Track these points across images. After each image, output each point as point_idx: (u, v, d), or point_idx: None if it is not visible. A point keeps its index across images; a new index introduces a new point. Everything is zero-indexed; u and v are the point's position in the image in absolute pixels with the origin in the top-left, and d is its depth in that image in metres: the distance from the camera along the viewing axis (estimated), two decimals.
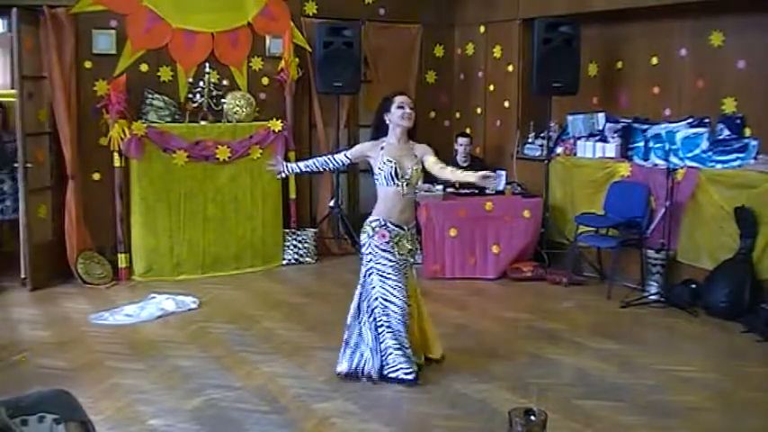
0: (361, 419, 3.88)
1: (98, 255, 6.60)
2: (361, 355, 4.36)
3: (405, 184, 4.30)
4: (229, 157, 6.81)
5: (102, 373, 4.48)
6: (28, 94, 6.22)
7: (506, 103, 7.83)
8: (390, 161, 4.31)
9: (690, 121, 6.29)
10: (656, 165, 6.31)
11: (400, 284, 4.26)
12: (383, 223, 4.28)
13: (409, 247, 4.35)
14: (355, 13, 7.70)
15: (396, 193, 4.30)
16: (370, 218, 4.36)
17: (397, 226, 4.29)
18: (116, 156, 6.45)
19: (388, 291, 4.24)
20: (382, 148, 4.40)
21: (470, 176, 4.19)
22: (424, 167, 4.37)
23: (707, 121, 6.19)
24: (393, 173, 4.29)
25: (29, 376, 4.38)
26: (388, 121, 4.41)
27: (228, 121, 6.89)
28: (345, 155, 4.72)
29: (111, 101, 6.33)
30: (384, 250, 4.23)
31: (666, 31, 6.66)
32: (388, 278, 4.24)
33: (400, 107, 4.37)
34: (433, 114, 8.47)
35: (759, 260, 5.50)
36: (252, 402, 4.08)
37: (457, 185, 7.16)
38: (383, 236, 4.24)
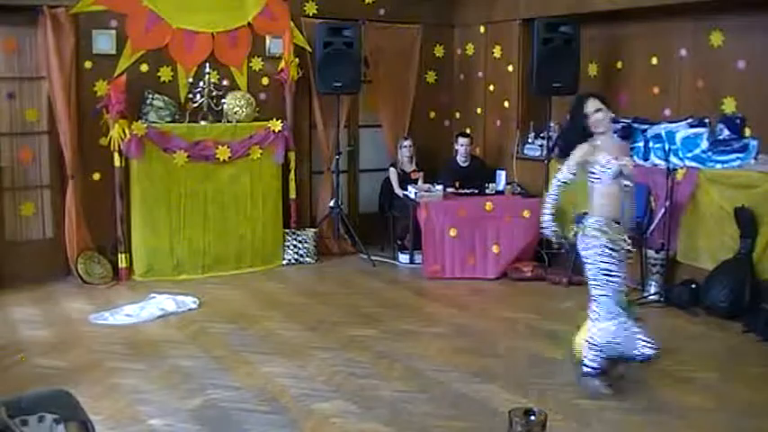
0: (361, 419, 3.88)
1: (98, 255, 6.60)
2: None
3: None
4: (229, 157, 6.81)
5: (102, 373, 4.48)
6: (8, 95, 6.28)
7: (506, 103, 7.83)
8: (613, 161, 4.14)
9: (690, 121, 6.28)
10: (656, 165, 6.31)
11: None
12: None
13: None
14: (355, 13, 7.70)
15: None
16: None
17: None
18: (116, 156, 6.45)
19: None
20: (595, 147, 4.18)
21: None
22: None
23: (707, 121, 6.19)
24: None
25: (29, 376, 4.38)
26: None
27: (228, 121, 6.89)
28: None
29: (112, 101, 6.33)
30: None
31: (666, 31, 6.66)
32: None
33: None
34: (433, 114, 8.47)
35: (759, 260, 5.50)
36: (252, 402, 4.08)
37: (457, 186, 7.18)
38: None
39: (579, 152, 4.18)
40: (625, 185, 4.16)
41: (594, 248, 4.11)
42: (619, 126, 6.81)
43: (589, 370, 4.21)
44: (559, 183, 4.26)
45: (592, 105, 4.19)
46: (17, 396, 2.46)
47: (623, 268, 4.18)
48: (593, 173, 4.16)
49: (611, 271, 4.09)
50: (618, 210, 4.16)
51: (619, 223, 4.16)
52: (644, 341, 4.12)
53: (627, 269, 4.27)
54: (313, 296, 6.27)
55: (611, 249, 4.09)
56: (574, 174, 4.19)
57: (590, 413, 3.95)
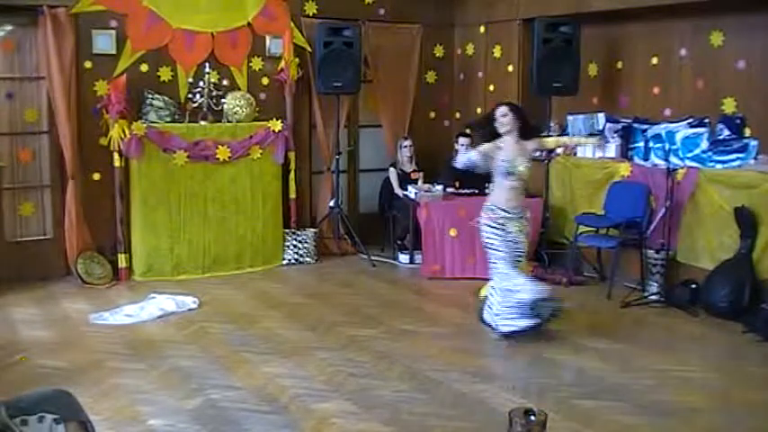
0: (361, 419, 3.88)
1: (98, 255, 6.60)
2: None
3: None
4: (229, 158, 6.81)
5: (102, 373, 4.48)
6: (7, 95, 6.30)
7: None
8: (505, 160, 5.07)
9: (690, 121, 6.29)
10: (656, 165, 6.31)
11: None
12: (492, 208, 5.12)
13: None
14: (355, 13, 7.70)
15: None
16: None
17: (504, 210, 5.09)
18: (116, 156, 6.45)
19: None
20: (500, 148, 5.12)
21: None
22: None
23: (707, 121, 6.19)
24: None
25: (29, 376, 4.38)
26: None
27: (228, 121, 6.89)
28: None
29: (111, 101, 6.33)
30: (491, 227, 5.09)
31: (666, 31, 6.66)
32: None
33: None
34: (433, 114, 8.47)
35: (759, 260, 5.50)
36: (252, 402, 4.08)
37: (457, 186, 7.17)
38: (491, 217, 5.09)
39: (485, 146, 5.12)
40: (514, 181, 5.06)
41: (482, 225, 5.12)
42: (619, 126, 6.85)
43: (508, 332, 5.06)
44: (466, 159, 5.23)
45: (500, 112, 5.12)
46: (17, 396, 2.46)
47: (512, 246, 5.06)
48: (495, 166, 5.09)
49: (492, 244, 5.06)
50: (506, 199, 5.08)
51: (508, 211, 5.07)
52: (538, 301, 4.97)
53: (526, 248, 5.24)
54: (313, 296, 6.27)
55: (492, 228, 5.06)
56: (476, 159, 5.13)
57: (590, 413, 3.95)
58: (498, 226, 5.05)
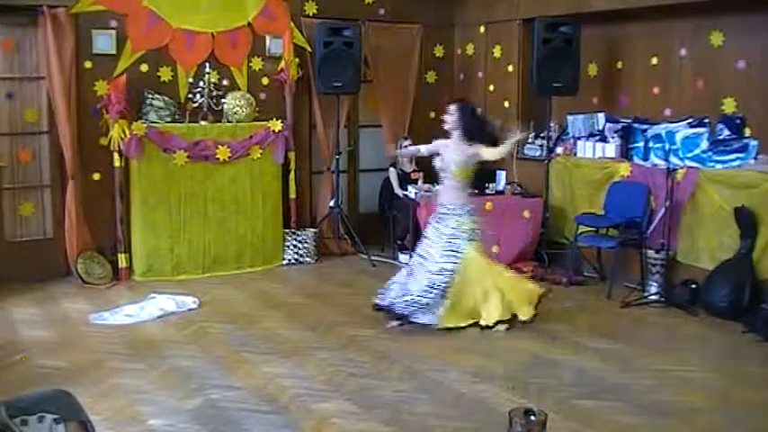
0: (361, 419, 3.88)
1: (98, 255, 6.60)
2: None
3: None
4: (229, 158, 6.81)
5: (102, 373, 4.48)
6: (7, 95, 6.30)
7: (506, 103, 7.83)
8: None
9: (690, 121, 6.29)
10: (655, 165, 6.31)
11: None
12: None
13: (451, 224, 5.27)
14: (355, 13, 7.70)
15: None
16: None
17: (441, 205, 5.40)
18: (116, 156, 6.45)
19: None
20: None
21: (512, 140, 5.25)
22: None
23: (707, 121, 6.19)
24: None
25: (29, 376, 4.38)
26: None
27: (228, 121, 6.89)
28: None
29: (111, 101, 6.33)
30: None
31: (666, 31, 6.66)
32: None
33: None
34: (433, 114, 8.44)
35: (759, 260, 5.50)
36: (252, 402, 4.08)
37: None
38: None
39: (435, 142, 5.52)
40: (450, 180, 5.33)
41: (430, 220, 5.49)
42: (619, 126, 6.85)
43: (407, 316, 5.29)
44: (414, 149, 5.78)
45: (449, 108, 5.40)
46: (17, 396, 2.46)
47: (443, 244, 5.24)
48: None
49: (429, 238, 5.34)
50: (445, 197, 5.35)
51: (446, 207, 5.31)
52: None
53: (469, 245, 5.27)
54: (313, 296, 6.27)
55: (430, 223, 5.42)
56: (424, 152, 5.61)
57: (590, 413, 3.95)
58: (437, 221, 5.33)
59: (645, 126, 6.68)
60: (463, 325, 5.22)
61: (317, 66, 7.22)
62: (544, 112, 7.18)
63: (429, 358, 4.79)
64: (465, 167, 5.29)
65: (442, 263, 5.19)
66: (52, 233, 6.60)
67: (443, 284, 5.16)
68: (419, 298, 5.17)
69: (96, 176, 6.67)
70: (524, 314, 5.23)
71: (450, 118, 5.33)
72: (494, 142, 5.30)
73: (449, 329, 5.19)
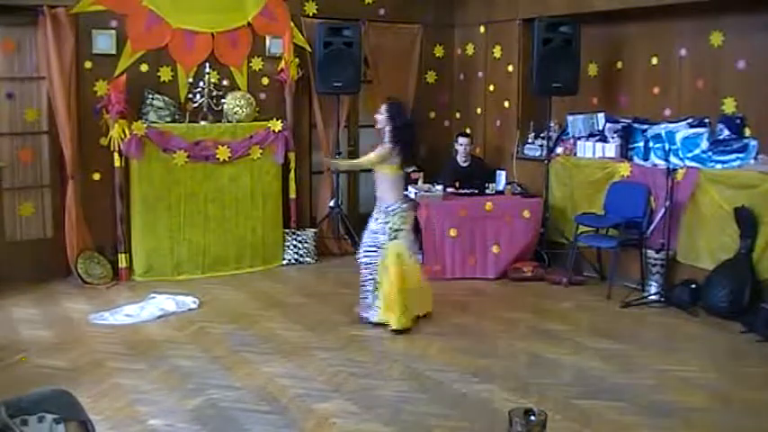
0: (361, 419, 3.88)
1: (98, 255, 6.60)
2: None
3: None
4: (229, 158, 6.81)
5: (102, 373, 4.48)
6: (7, 95, 6.30)
7: (506, 103, 7.84)
8: None
9: (690, 121, 6.29)
10: (655, 165, 6.31)
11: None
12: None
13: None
14: (355, 13, 7.70)
15: None
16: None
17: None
18: (116, 156, 6.45)
19: None
20: None
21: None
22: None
23: (707, 121, 6.19)
24: None
25: (29, 376, 4.38)
26: None
27: (228, 121, 6.89)
28: None
29: (111, 101, 6.33)
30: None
31: (666, 31, 6.66)
32: None
33: None
34: (432, 114, 8.47)
35: (759, 260, 5.50)
36: (252, 402, 4.09)
37: (457, 186, 7.17)
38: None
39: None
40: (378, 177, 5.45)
41: None
42: (619, 126, 6.85)
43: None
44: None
45: (381, 107, 5.46)
46: (17, 396, 2.46)
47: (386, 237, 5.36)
48: None
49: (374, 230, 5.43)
50: (377, 190, 5.46)
51: (380, 205, 5.43)
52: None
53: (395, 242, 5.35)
54: (313, 296, 6.27)
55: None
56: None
57: (590, 413, 3.95)
58: (370, 217, 5.54)
59: (645, 126, 6.68)
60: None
61: (317, 66, 7.22)
62: (544, 112, 7.18)
63: (429, 358, 4.79)
64: (379, 165, 5.40)
65: (362, 257, 5.44)
66: (52, 233, 6.59)
67: (369, 279, 5.39)
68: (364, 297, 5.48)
69: (96, 176, 6.67)
70: (399, 322, 5.27)
71: (378, 117, 5.45)
72: (405, 153, 5.35)
73: (384, 325, 5.31)
